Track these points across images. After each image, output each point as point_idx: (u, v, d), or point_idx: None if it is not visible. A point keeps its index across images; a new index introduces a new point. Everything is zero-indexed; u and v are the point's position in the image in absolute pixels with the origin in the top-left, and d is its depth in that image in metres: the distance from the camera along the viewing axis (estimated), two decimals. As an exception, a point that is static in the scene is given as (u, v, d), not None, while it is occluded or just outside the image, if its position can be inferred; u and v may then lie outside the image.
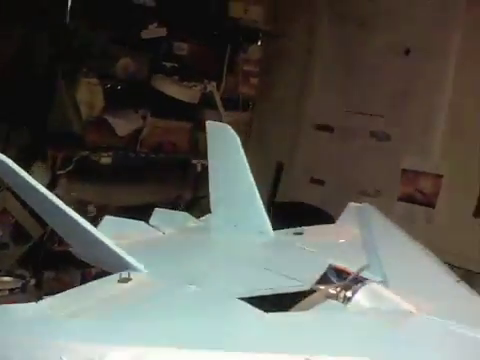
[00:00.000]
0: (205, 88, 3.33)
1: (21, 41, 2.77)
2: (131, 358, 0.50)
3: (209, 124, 1.18)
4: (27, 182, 0.88)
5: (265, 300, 0.78)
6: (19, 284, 2.80)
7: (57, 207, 0.87)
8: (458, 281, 0.97)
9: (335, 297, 0.78)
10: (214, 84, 3.36)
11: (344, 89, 3.45)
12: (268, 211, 3.92)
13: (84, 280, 3.61)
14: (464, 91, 2.98)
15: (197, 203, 3.90)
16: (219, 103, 3.39)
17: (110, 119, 3.17)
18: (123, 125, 3.24)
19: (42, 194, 0.88)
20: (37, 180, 3.06)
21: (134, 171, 3.43)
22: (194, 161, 3.61)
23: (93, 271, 3.56)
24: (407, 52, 3.13)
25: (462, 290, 0.94)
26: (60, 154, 2.94)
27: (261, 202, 1.14)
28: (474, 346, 0.71)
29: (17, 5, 2.69)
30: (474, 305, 0.88)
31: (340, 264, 0.93)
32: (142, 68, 3.35)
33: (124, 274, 0.77)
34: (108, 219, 1.17)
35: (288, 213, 3.72)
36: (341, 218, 1.40)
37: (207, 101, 3.50)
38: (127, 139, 3.35)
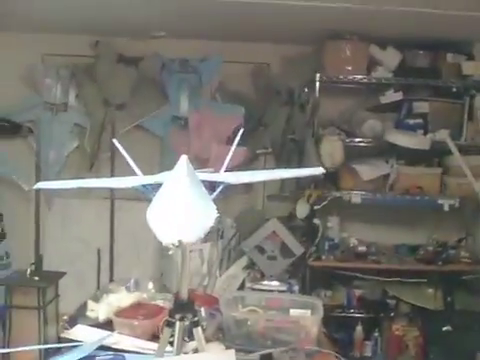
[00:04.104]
0: (435, 136, 3.94)
1: (286, 116, 4.03)
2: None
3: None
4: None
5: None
6: (285, 287, 3.80)
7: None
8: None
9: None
10: (446, 132, 3.94)
11: None
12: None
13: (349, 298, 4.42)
14: None
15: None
16: (453, 148, 3.91)
17: (356, 166, 4.09)
18: (368, 171, 4.11)
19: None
20: (301, 211, 4.12)
21: (382, 211, 4.25)
22: (440, 201, 4.17)
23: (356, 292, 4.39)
24: None
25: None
26: (314, 193, 3.99)
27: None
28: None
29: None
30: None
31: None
32: (387, 126, 4.19)
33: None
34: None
35: None
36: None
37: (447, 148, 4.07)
38: (376, 183, 4.19)
